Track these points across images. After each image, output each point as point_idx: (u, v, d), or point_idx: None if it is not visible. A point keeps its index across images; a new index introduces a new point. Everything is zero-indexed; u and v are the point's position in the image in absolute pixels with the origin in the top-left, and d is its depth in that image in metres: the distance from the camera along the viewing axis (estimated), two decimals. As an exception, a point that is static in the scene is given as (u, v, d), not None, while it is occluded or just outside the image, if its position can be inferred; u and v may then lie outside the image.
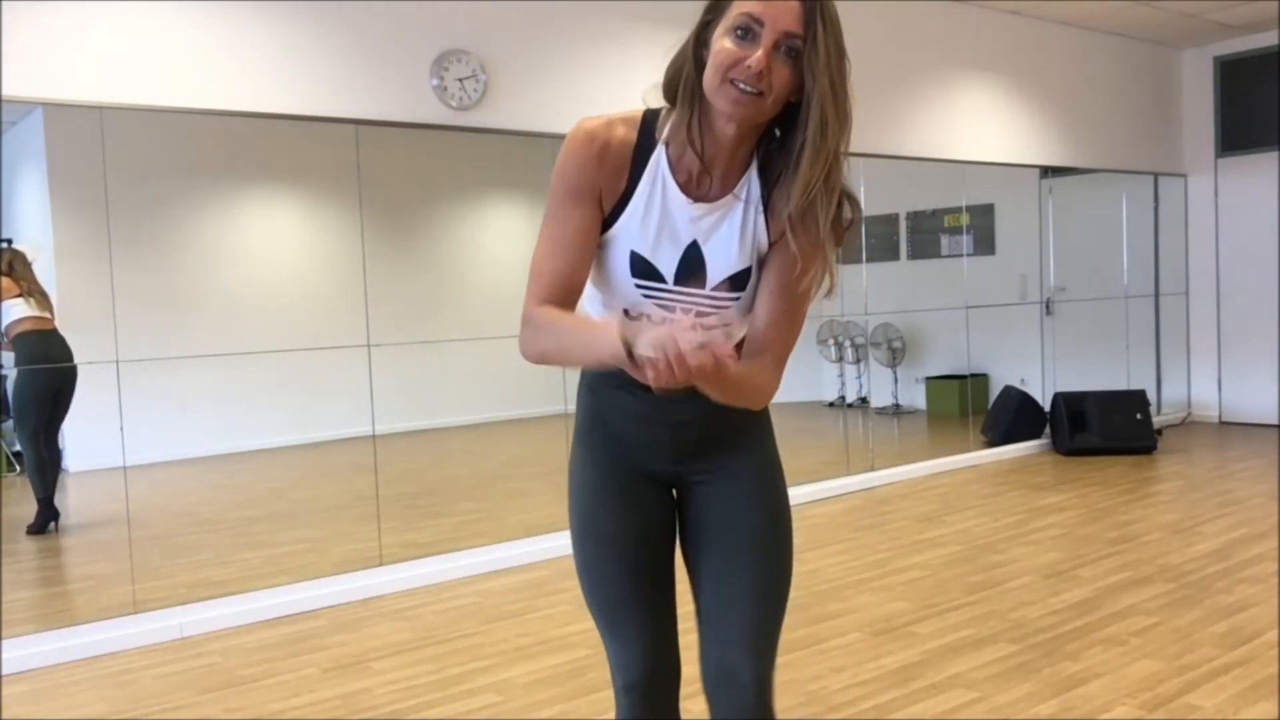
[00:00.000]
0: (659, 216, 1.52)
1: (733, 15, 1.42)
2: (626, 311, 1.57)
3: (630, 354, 1.29)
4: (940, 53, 6.54)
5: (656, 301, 1.56)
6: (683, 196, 1.52)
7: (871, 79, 6.15)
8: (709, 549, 1.67)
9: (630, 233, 1.53)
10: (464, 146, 5.05)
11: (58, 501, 4.38)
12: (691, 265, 1.54)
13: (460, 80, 4.58)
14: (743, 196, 1.53)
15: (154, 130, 4.37)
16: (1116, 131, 7.66)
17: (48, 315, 4.12)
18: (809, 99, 1.41)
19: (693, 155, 1.50)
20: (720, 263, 1.54)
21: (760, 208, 1.54)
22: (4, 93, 3.56)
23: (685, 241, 1.53)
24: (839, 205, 1.47)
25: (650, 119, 1.54)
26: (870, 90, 6.42)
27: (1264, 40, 7.65)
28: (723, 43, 1.42)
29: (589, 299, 1.65)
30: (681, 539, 1.73)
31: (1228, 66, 7.94)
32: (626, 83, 4.98)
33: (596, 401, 1.69)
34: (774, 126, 1.52)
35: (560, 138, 1.53)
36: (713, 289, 1.55)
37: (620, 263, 1.55)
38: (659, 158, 1.52)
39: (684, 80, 1.48)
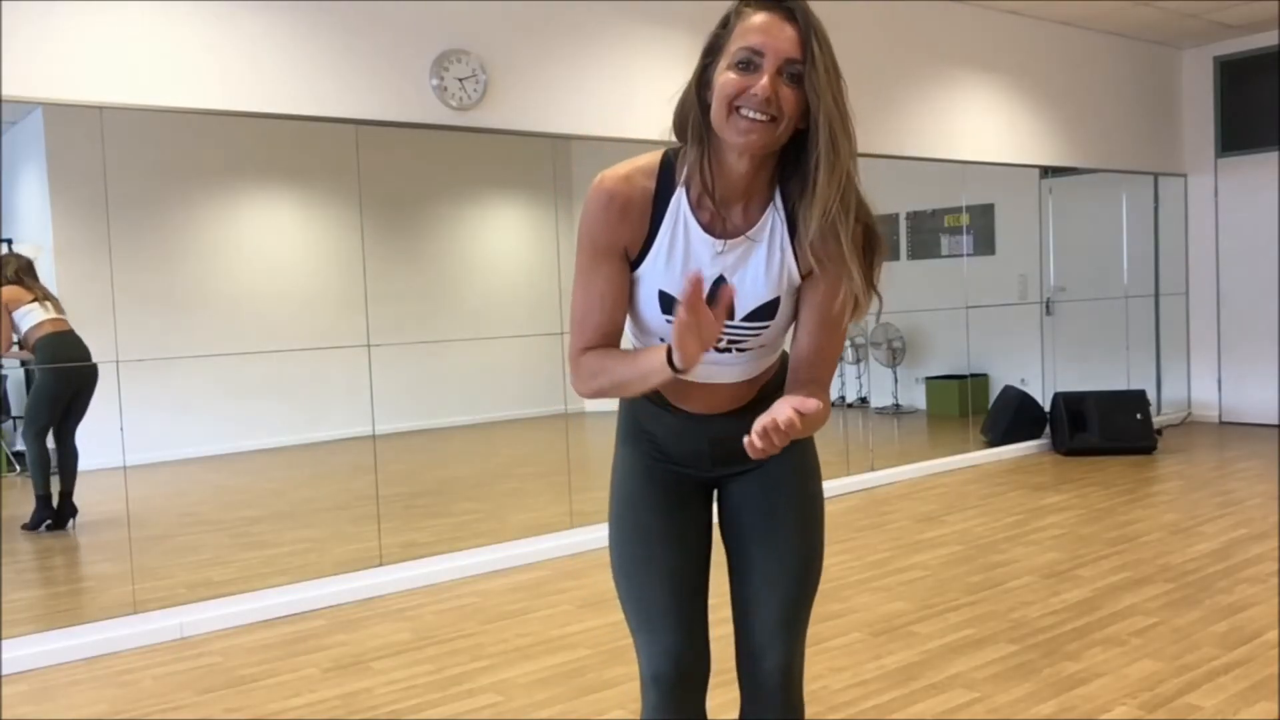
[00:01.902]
0: (682, 256, 1.56)
1: (732, 51, 1.46)
2: (661, 339, 1.62)
3: (675, 369, 1.43)
4: (940, 53, 6.54)
5: None
6: (706, 235, 1.55)
7: (872, 79, 6.16)
8: (743, 538, 1.73)
9: (656, 273, 1.58)
10: (464, 146, 5.05)
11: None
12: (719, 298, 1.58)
13: (460, 80, 4.58)
14: (763, 236, 1.56)
15: (154, 130, 4.37)
16: (1116, 131, 7.66)
17: (64, 317, 4.16)
18: (816, 120, 1.45)
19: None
20: (748, 295, 1.58)
21: (787, 239, 1.57)
22: (4, 93, 3.56)
23: (711, 277, 1.55)
24: (873, 239, 1.52)
25: (669, 161, 1.58)
26: (870, 90, 6.46)
27: (1264, 40, 7.65)
28: (725, 75, 1.46)
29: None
30: (721, 529, 1.78)
31: (1228, 66, 7.93)
32: (626, 83, 4.99)
33: (637, 412, 1.75)
34: (787, 155, 1.54)
35: (560, 138, 1.55)
36: (742, 319, 1.58)
37: (649, 301, 1.60)
38: (680, 199, 1.56)
39: (691, 123, 1.52)
